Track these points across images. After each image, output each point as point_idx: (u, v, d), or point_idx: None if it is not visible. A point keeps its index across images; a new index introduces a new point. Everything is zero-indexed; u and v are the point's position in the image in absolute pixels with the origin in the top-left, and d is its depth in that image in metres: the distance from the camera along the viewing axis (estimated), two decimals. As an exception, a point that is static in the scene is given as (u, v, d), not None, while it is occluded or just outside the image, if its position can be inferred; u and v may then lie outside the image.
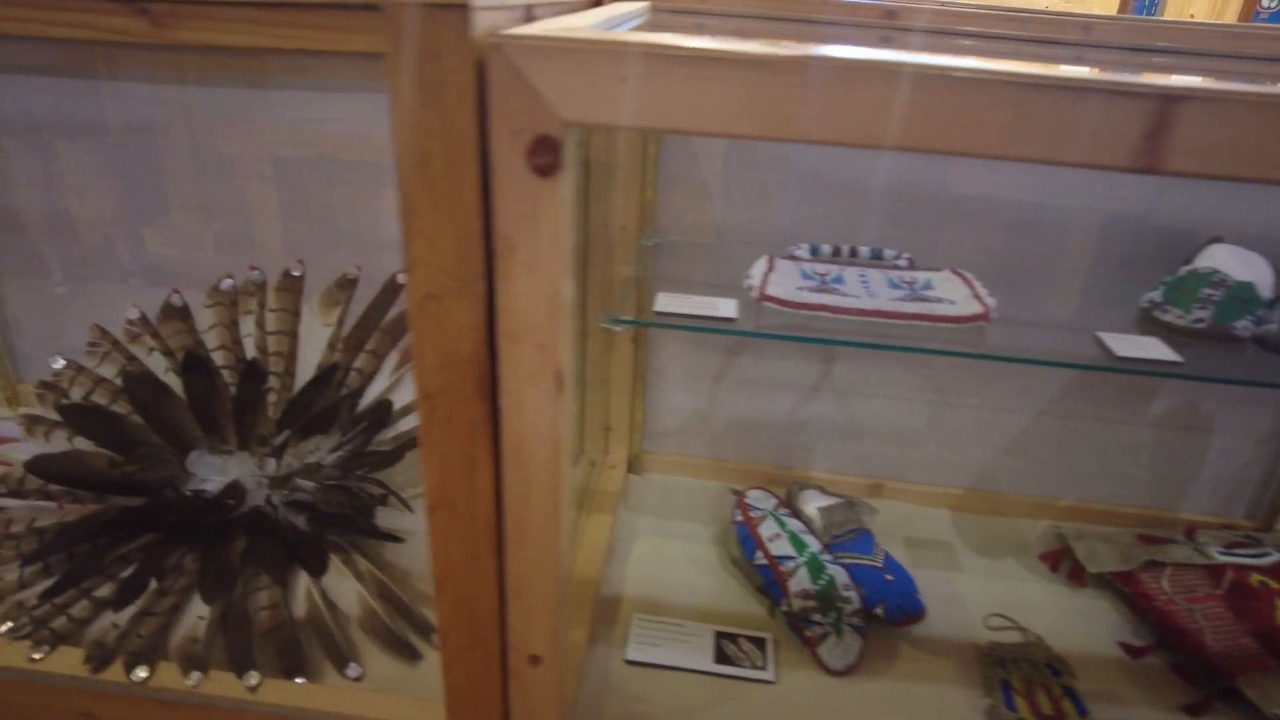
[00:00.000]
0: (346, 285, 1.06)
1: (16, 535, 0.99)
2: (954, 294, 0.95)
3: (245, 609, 0.91)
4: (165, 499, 1.02)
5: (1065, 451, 1.17)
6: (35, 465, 1.00)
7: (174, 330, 1.01)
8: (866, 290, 0.93)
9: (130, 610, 0.90)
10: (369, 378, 1.10)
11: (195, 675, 0.83)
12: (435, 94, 0.51)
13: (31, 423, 1.00)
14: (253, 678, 0.83)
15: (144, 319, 1.00)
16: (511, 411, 0.60)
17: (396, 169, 0.53)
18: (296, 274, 1.03)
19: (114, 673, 0.85)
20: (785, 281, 0.96)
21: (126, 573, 0.95)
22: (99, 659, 0.85)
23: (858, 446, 1.22)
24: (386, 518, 1.07)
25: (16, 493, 1.01)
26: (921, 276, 1.01)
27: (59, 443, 1.01)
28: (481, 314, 0.57)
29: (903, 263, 1.06)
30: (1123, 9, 4.51)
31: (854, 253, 1.08)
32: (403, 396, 1.10)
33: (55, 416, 1.00)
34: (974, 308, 0.90)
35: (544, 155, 0.51)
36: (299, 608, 0.94)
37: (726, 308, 0.92)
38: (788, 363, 1.18)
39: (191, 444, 1.05)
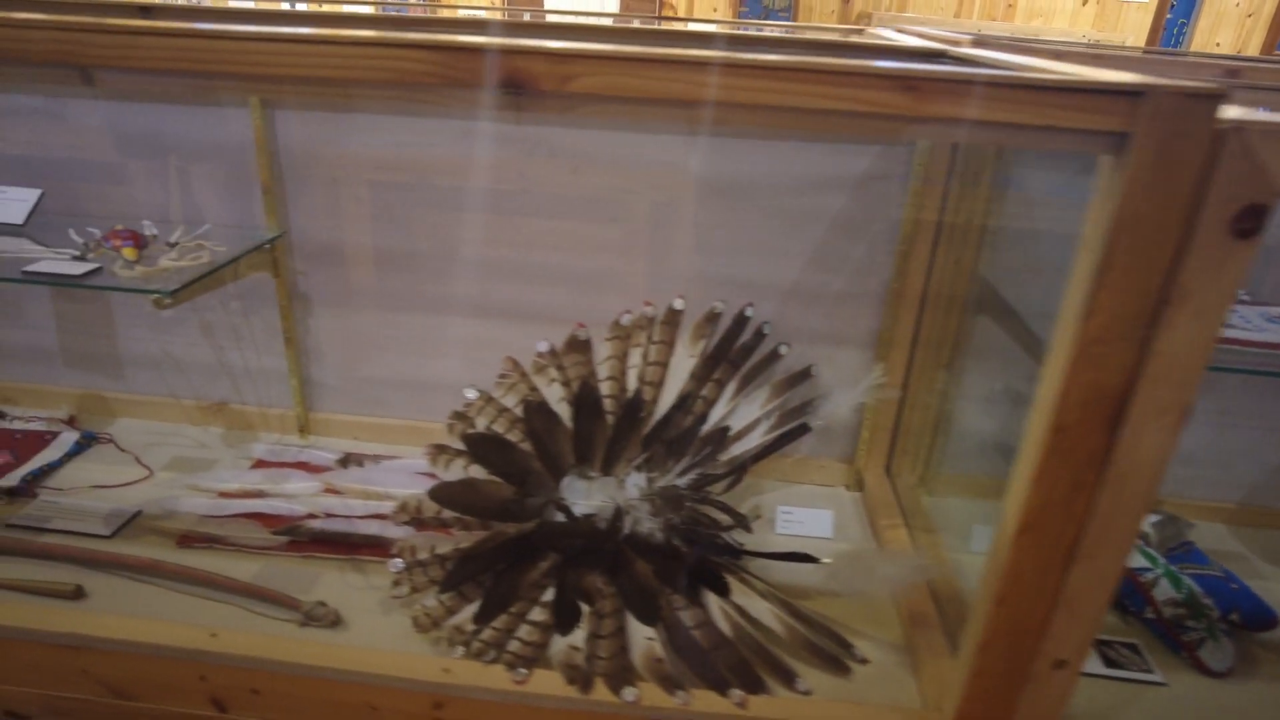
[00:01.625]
0: (713, 319, 1.12)
1: (424, 562, 1.02)
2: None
3: (684, 629, 0.96)
4: (555, 524, 1.07)
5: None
6: (437, 494, 1.04)
7: (574, 361, 1.06)
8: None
9: (578, 633, 0.94)
10: (710, 404, 1.16)
11: (681, 695, 0.88)
12: (1167, 167, 0.58)
13: (438, 452, 1.04)
14: (735, 695, 0.88)
15: (553, 351, 1.04)
16: (1130, 442, 0.67)
17: (1097, 230, 0.61)
18: (679, 307, 1.09)
19: (544, 685, 0.89)
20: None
21: (546, 596, 0.99)
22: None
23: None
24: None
25: (417, 521, 1.04)
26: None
27: (455, 471, 1.05)
28: (1135, 356, 0.65)
29: None
30: (1151, 41, 4.77)
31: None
32: (735, 422, 1.17)
33: (460, 445, 1.04)
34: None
35: (1249, 221, 0.59)
36: (722, 626, 0.99)
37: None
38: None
39: (564, 469, 1.10)
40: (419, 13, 2.15)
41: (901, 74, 0.59)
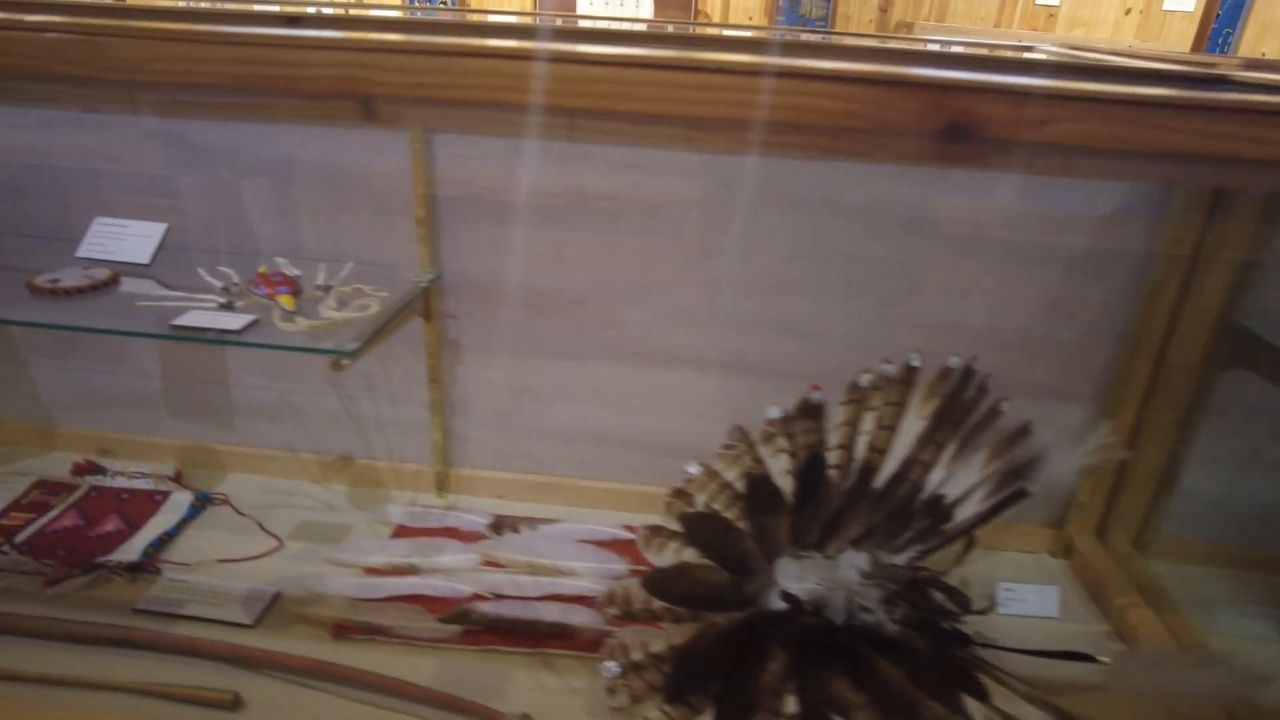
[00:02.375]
0: (947, 376, 0.99)
1: (639, 664, 0.88)
2: None
3: (961, 746, 0.83)
4: (773, 613, 0.93)
5: None
6: (651, 583, 0.90)
7: (805, 429, 0.92)
8: None
9: (840, 753, 0.81)
10: (928, 469, 1.03)
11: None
12: None
13: (652, 534, 0.91)
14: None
15: (785, 418, 0.91)
16: None
17: None
18: (916, 364, 0.96)
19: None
20: None
21: (788, 707, 0.86)
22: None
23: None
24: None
25: (627, 614, 0.90)
26: None
27: (668, 555, 0.92)
28: None
29: None
30: (1196, 48, 4.69)
31: None
32: (953, 488, 1.04)
33: (677, 527, 0.91)
34: None
35: None
36: (994, 740, 0.85)
37: None
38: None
39: (779, 550, 0.96)
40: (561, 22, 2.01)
41: None
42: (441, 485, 1.23)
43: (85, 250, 1.04)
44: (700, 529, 0.91)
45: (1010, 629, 0.97)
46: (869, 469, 0.96)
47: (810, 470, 0.93)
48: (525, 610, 1.01)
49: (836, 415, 0.94)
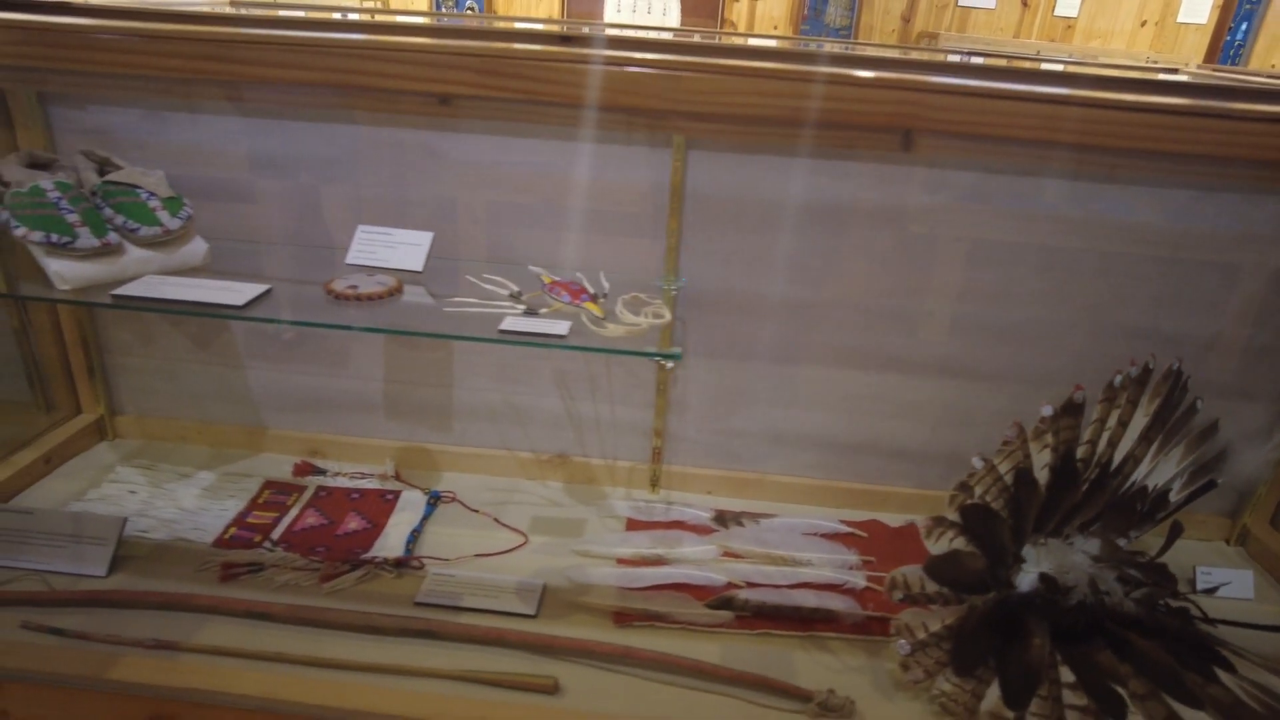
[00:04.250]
0: (1170, 376, 1.07)
1: (924, 643, 0.95)
2: None
3: (1241, 707, 0.91)
4: (1023, 595, 1.00)
5: None
6: (933, 568, 0.97)
7: (1066, 425, 1.00)
8: None
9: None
10: (1138, 463, 1.11)
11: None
12: None
13: (934, 525, 0.97)
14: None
15: (1054, 415, 0.98)
16: None
17: None
18: (1151, 367, 1.04)
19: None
20: None
21: (1065, 677, 0.93)
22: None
23: None
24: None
25: (909, 597, 0.97)
26: None
27: (943, 544, 0.99)
28: None
29: None
30: (1209, 59, 4.87)
31: None
32: (1155, 480, 1.12)
33: (956, 518, 0.97)
34: None
35: None
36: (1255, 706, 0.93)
37: None
38: None
39: (1025, 538, 1.04)
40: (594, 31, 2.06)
41: None
42: (655, 481, 1.29)
43: (354, 257, 1.08)
44: (973, 519, 0.98)
45: (1212, 608, 1.06)
46: (1106, 462, 1.04)
47: (1065, 464, 1.01)
48: (782, 597, 1.07)
49: (1094, 414, 1.01)
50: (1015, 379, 1.22)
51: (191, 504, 1.19)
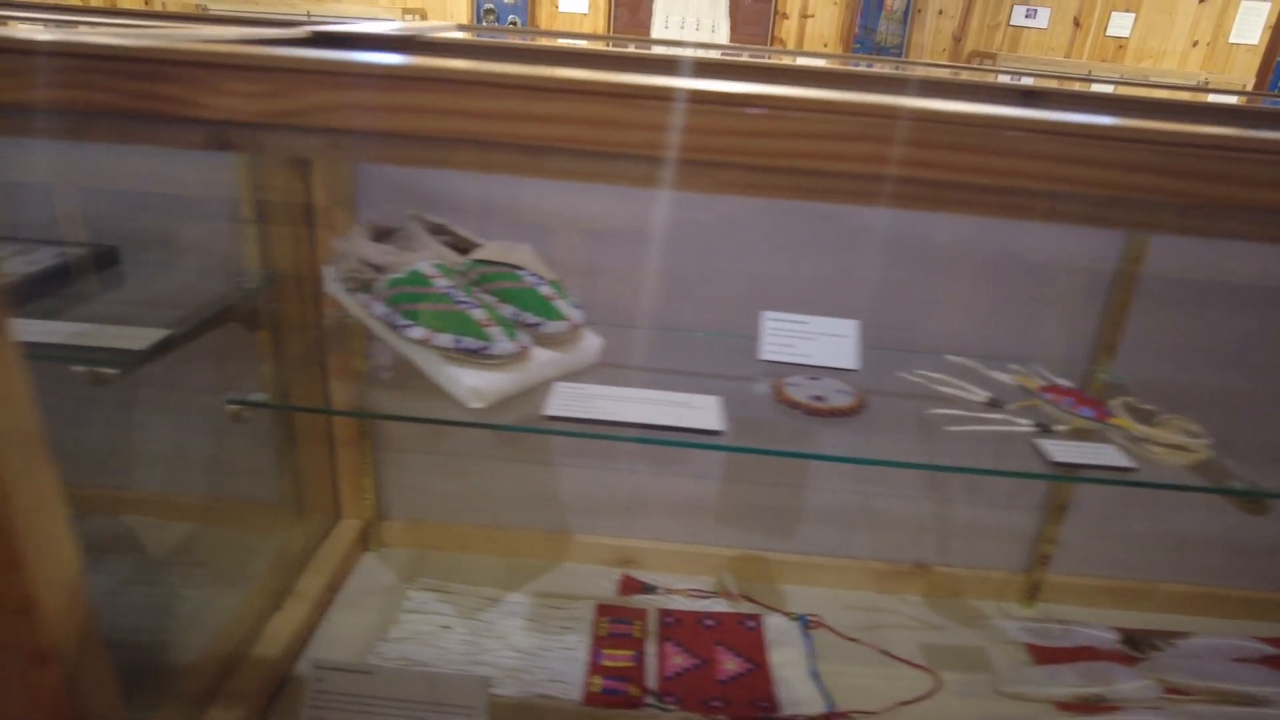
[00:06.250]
0: None
1: None
2: None
3: None
4: None
5: None
6: None
7: None
8: None
9: None
10: None
11: None
12: None
13: None
14: None
15: None
16: None
17: None
18: None
19: None
20: None
21: None
22: None
23: None
24: None
25: None
26: None
27: None
28: None
29: None
30: (1260, 83, 4.88)
31: None
32: None
33: None
34: None
35: None
36: None
37: None
38: None
39: None
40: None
41: None
42: (1031, 594, 1.12)
43: (768, 352, 0.90)
44: None
45: None
46: None
47: None
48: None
49: None
50: None
51: (524, 642, 0.99)
